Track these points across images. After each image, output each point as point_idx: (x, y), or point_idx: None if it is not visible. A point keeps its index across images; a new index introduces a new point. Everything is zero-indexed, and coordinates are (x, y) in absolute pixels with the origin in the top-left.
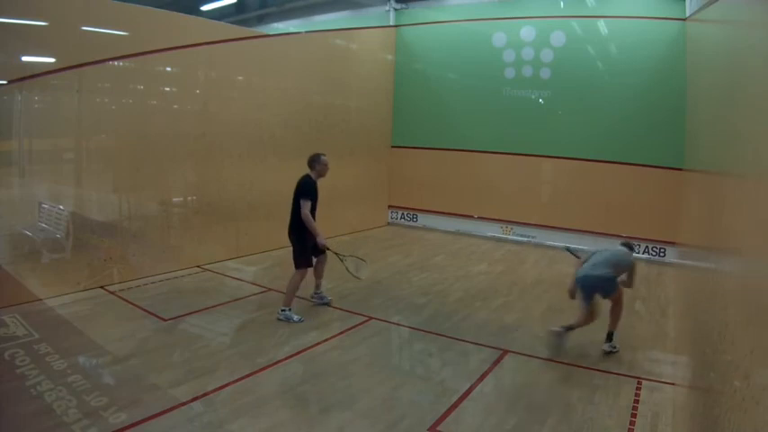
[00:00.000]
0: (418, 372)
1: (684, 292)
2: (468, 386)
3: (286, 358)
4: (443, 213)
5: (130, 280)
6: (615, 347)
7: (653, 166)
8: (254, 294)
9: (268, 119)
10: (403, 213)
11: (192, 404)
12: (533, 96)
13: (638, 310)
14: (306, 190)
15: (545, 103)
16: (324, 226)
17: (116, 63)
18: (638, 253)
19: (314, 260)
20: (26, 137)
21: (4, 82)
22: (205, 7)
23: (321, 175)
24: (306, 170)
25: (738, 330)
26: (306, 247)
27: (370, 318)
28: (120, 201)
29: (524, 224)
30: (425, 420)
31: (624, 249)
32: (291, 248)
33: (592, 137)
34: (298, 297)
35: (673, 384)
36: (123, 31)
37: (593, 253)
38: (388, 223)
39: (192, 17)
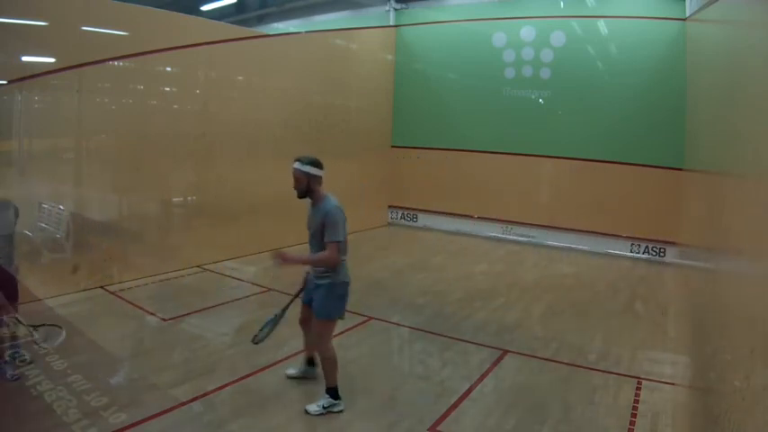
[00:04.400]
0: (418, 372)
1: (684, 292)
2: (468, 386)
3: (286, 358)
4: (443, 213)
5: (130, 280)
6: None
7: (653, 166)
8: (255, 294)
9: (268, 119)
10: (403, 213)
11: (191, 404)
12: (533, 96)
13: (637, 310)
14: None
15: (545, 103)
16: None
17: (116, 63)
18: (639, 253)
19: None
20: (26, 137)
21: (4, 82)
22: (205, 7)
23: None
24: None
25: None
26: None
27: (370, 318)
28: (119, 201)
29: (524, 224)
30: (425, 420)
31: None
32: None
33: (592, 137)
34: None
35: (673, 384)
36: (123, 31)
37: None
38: (389, 223)
39: (192, 17)
